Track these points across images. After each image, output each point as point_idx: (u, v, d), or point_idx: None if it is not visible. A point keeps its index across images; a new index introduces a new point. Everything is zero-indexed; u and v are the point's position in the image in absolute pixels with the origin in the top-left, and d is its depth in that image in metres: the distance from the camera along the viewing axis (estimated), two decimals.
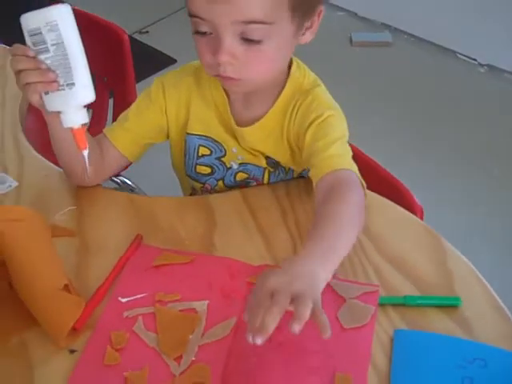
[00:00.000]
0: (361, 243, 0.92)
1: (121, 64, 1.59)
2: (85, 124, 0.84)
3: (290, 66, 0.99)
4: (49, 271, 0.80)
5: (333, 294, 0.85)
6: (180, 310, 0.83)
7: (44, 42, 0.79)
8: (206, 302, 0.84)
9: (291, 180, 1.05)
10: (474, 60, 2.79)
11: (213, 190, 1.10)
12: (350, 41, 2.86)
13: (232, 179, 1.08)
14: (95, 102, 0.84)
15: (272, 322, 0.69)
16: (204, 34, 0.87)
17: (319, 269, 0.76)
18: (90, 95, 0.82)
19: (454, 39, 2.81)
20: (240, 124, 1.01)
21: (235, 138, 1.03)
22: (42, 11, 0.78)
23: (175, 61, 2.69)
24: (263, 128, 1.00)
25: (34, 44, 0.80)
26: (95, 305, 0.83)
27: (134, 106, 1.06)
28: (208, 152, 1.07)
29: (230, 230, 0.96)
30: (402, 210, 1.00)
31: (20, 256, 0.79)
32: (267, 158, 1.03)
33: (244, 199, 1.02)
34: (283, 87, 0.99)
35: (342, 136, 0.95)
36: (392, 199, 1.02)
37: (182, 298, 0.85)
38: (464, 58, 2.81)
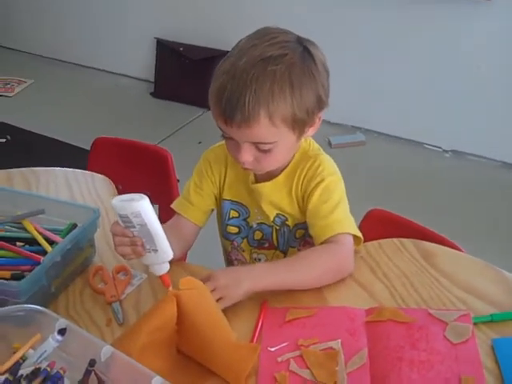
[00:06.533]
0: (442, 284, 1.15)
1: (165, 180, 1.82)
2: (167, 271, 1.06)
3: None
4: (223, 327, 0.98)
5: (437, 320, 1.06)
6: (321, 350, 1.02)
7: (131, 223, 1.04)
8: (339, 340, 1.04)
9: (368, 244, 1.27)
10: (439, 148, 3.17)
11: (239, 247, 1.33)
12: (329, 144, 3.22)
13: (252, 237, 1.31)
14: None
15: None
16: (229, 138, 1.13)
17: (247, 280, 1.07)
18: (169, 255, 1.05)
19: (420, 132, 3.19)
20: (258, 182, 1.25)
21: (253, 195, 1.25)
22: (128, 204, 1.01)
23: (177, 181, 2.90)
24: (276, 184, 1.24)
25: (124, 222, 1.05)
26: None
27: (191, 182, 1.31)
28: (237, 215, 1.31)
29: (333, 287, 1.16)
30: (462, 253, 1.24)
31: (199, 317, 0.97)
32: (277, 215, 1.25)
33: None
34: (293, 156, 1.23)
35: (341, 198, 1.20)
36: None
37: (320, 340, 1.04)
38: (430, 147, 3.19)
